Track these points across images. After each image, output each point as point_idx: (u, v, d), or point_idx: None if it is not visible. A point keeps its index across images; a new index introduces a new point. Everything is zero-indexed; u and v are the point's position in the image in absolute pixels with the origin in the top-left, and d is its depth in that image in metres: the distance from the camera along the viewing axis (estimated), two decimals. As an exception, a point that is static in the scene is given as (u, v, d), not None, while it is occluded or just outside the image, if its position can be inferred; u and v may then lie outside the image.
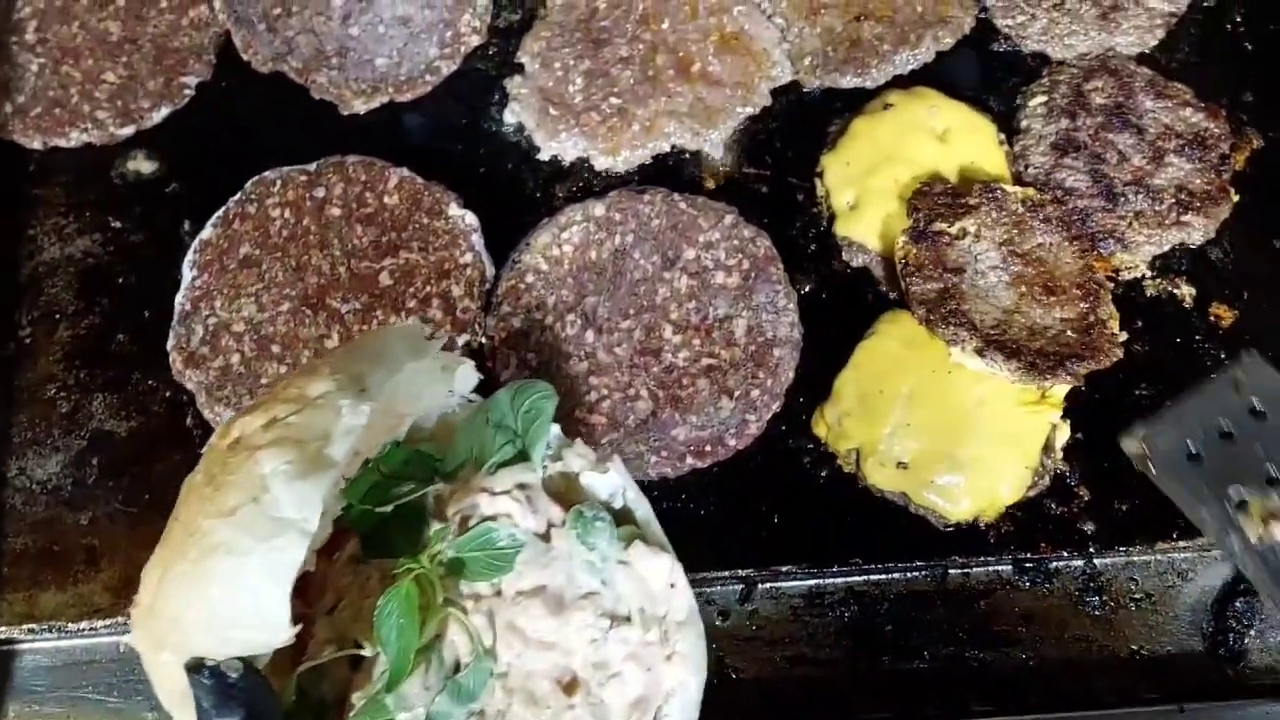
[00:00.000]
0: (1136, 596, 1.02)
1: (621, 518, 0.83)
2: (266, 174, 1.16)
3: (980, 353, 1.00)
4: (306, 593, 0.71)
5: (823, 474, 1.05)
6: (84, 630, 1.04)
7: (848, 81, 1.20)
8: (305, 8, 1.24)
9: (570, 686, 0.75)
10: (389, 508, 0.78)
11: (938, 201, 1.07)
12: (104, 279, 1.16)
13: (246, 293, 1.12)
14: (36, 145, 1.21)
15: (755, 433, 1.06)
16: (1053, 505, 1.03)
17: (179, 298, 1.13)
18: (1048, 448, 1.03)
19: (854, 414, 1.04)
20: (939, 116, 1.15)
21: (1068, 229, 1.06)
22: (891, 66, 1.20)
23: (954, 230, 1.05)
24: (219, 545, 0.67)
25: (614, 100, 1.19)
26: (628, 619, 0.78)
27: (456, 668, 0.74)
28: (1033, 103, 1.16)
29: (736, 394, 1.06)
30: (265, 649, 0.68)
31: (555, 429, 0.84)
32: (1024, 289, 1.04)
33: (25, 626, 1.04)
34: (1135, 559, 1.02)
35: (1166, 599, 1.02)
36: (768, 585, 1.03)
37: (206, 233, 1.14)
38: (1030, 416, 1.02)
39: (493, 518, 0.78)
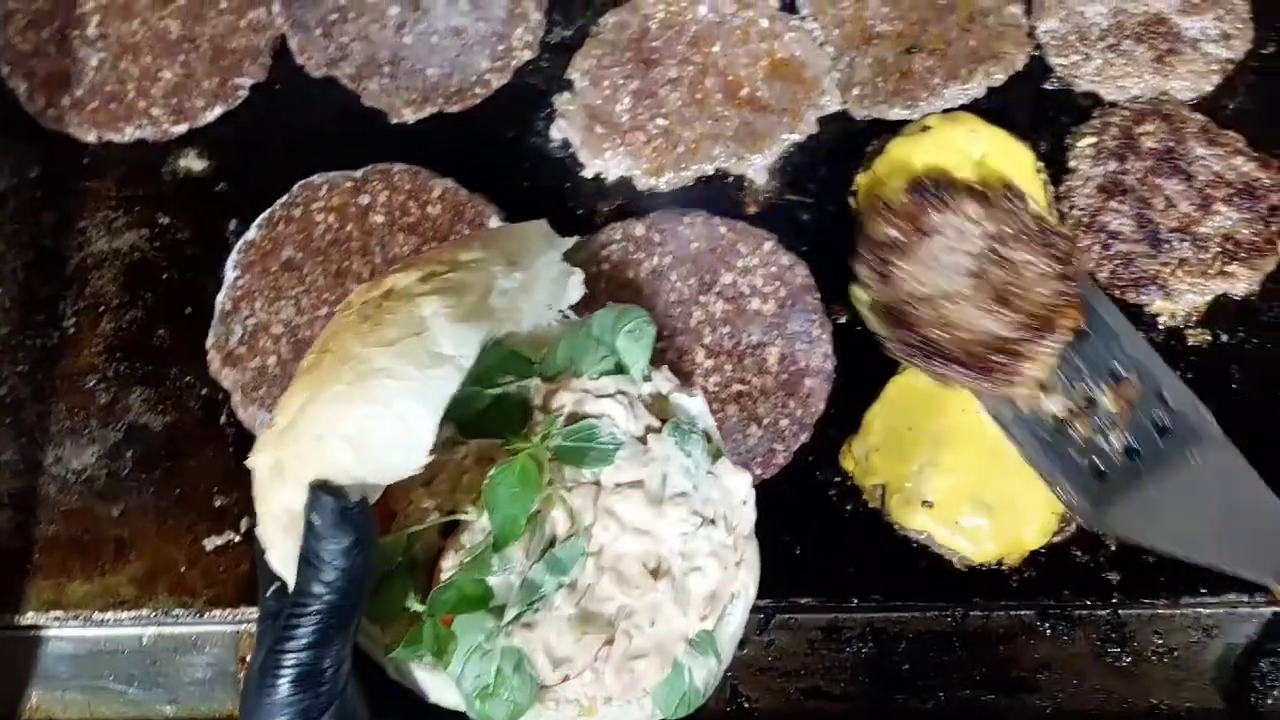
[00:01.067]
0: (1160, 650, 1.00)
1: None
2: (313, 178, 1.18)
3: (871, 309, 1.05)
4: None
5: (847, 508, 1.05)
6: (109, 621, 1.05)
7: (895, 113, 1.19)
8: (361, 14, 1.25)
9: (656, 571, 0.79)
10: (496, 391, 0.82)
11: (959, 185, 1.07)
12: (149, 274, 1.18)
13: (287, 295, 1.13)
14: (91, 139, 1.23)
15: (782, 463, 1.05)
16: (1079, 553, 1.02)
17: (220, 297, 1.14)
18: (1077, 494, 1.02)
19: (882, 449, 1.03)
20: (977, 141, 1.14)
21: (1061, 264, 1.03)
22: (941, 100, 1.19)
23: (955, 205, 1.05)
24: (380, 370, 0.70)
25: (660, 121, 1.20)
26: (712, 521, 0.82)
27: (552, 544, 0.78)
28: (1081, 143, 1.15)
29: (765, 422, 1.06)
30: (401, 474, 0.71)
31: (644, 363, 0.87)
32: (979, 284, 1.03)
33: (52, 614, 1.06)
34: (1160, 612, 1.01)
35: (1190, 654, 1.00)
36: (786, 616, 1.03)
37: (251, 234, 1.16)
38: (1060, 462, 1.01)
39: (597, 416, 0.82)
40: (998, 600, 1.01)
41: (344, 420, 0.71)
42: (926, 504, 1.01)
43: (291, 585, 0.72)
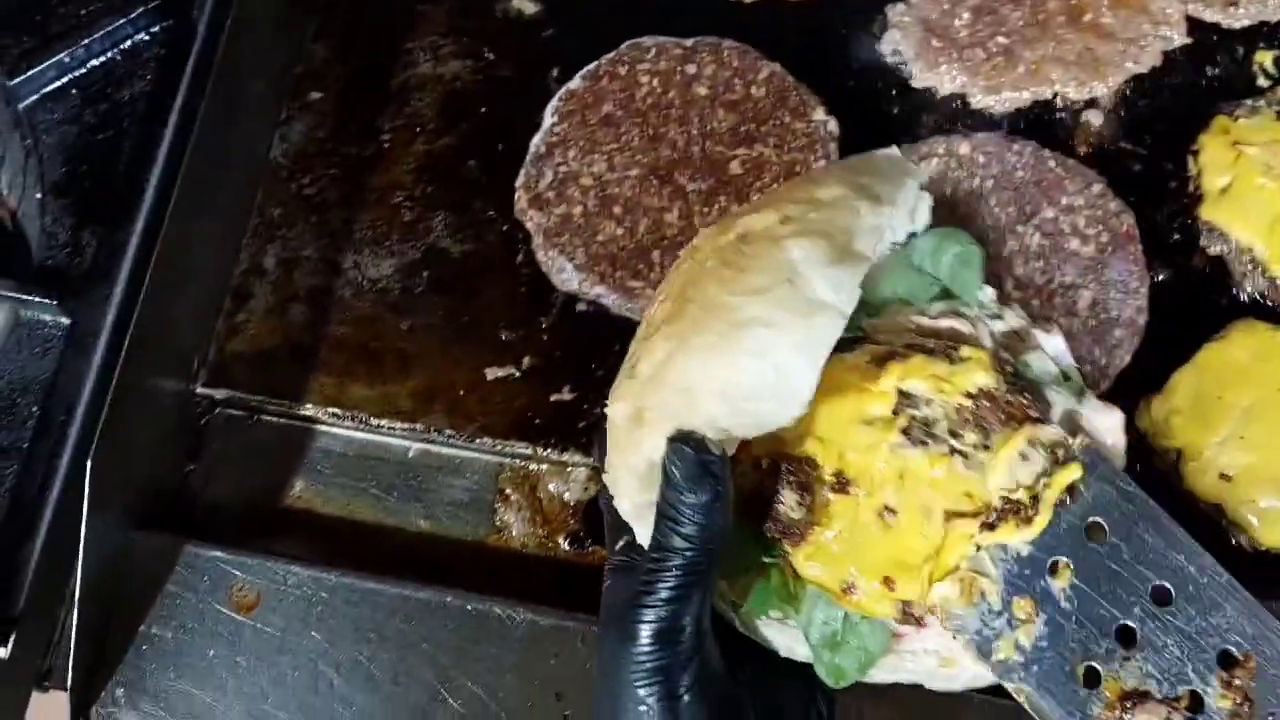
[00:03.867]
0: None
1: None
2: (643, 40, 1.18)
3: None
4: None
5: (1136, 467, 1.01)
6: (382, 428, 1.08)
7: (1212, 14, 1.15)
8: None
9: None
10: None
11: None
12: (467, 105, 1.19)
13: (601, 150, 1.13)
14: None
15: (1078, 408, 1.02)
16: (1374, 556, 0.98)
17: (535, 139, 1.15)
18: (1386, 499, 0.97)
19: (1185, 414, 1.00)
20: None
21: None
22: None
23: None
24: (753, 319, 0.67)
25: (1000, 39, 1.16)
26: None
27: None
28: None
29: (1067, 365, 1.03)
30: (771, 427, 0.68)
31: (990, 291, 0.80)
32: None
33: (331, 410, 1.09)
34: None
35: None
36: (1050, 560, 1.00)
37: (574, 84, 1.16)
38: (1378, 460, 0.97)
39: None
40: (1278, 589, 0.97)
41: (717, 371, 0.68)
42: (1224, 477, 0.97)
43: (642, 537, 0.71)
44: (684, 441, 0.68)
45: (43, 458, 1.01)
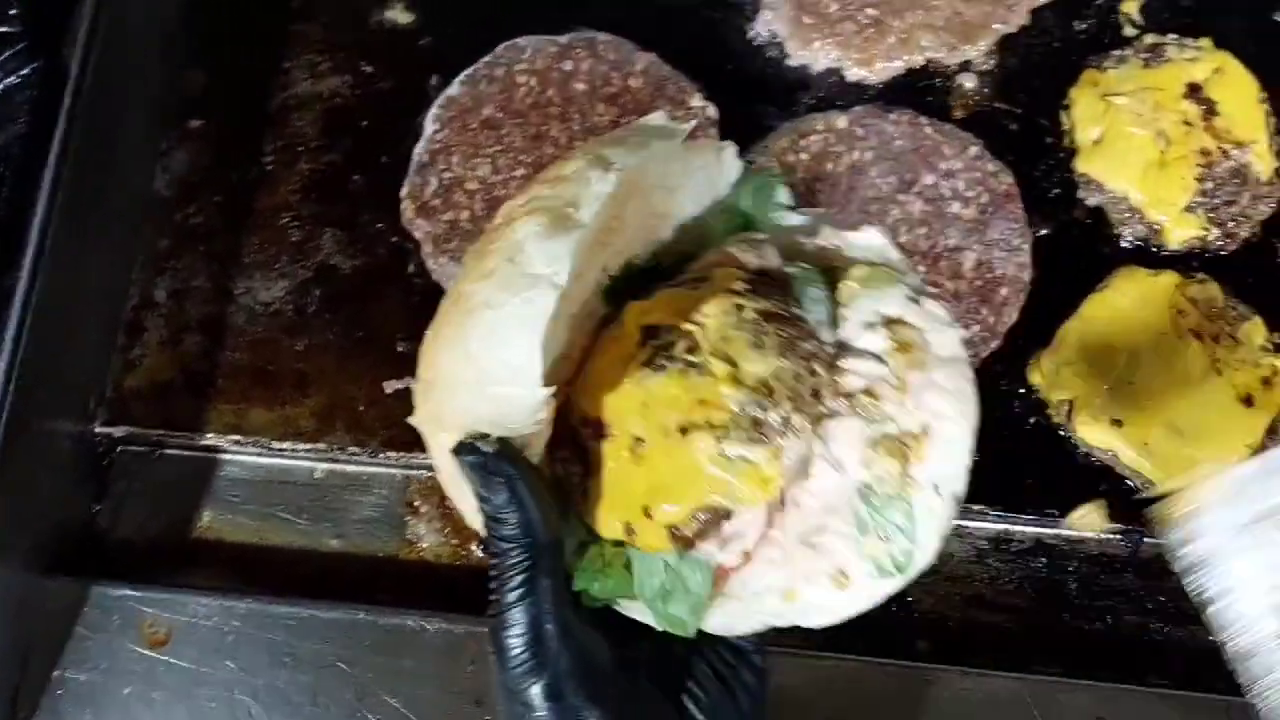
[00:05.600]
0: (1342, 600, 0.97)
1: None
2: (518, 40, 1.18)
3: None
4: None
5: (1030, 421, 1.03)
6: (285, 451, 1.07)
7: None
8: (578, -118, 1.24)
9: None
10: None
11: None
12: (348, 120, 1.19)
13: (484, 153, 1.13)
14: (299, -17, 1.24)
15: (969, 368, 1.03)
16: (1269, 492, 0.99)
17: (418, 148, 1.15)
18: (1273, 430, 0.99)
19: (1074, 365, 1.01)
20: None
21: None
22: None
23: None
24: (480, 304, 0.66)
25: (870, 11, 1.17)
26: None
27: None
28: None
29: (956, 327, 1.04)
30: (525, 408, 0.66)
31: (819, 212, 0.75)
32: None
33: (232, 437, 1.08)
34: (1348, 560, 0.98)
35: (1374, 608, 0.97)
36: (957, 523, 1.01)
37: (453, 90, 1.16)
38: (1262, 395, 0.98)
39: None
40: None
41: (460, 362, 0.66)
42: (1115, 422, 0.99)
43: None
44: (460, 450, 0.66)
45: (-60, 511, 1.00)
